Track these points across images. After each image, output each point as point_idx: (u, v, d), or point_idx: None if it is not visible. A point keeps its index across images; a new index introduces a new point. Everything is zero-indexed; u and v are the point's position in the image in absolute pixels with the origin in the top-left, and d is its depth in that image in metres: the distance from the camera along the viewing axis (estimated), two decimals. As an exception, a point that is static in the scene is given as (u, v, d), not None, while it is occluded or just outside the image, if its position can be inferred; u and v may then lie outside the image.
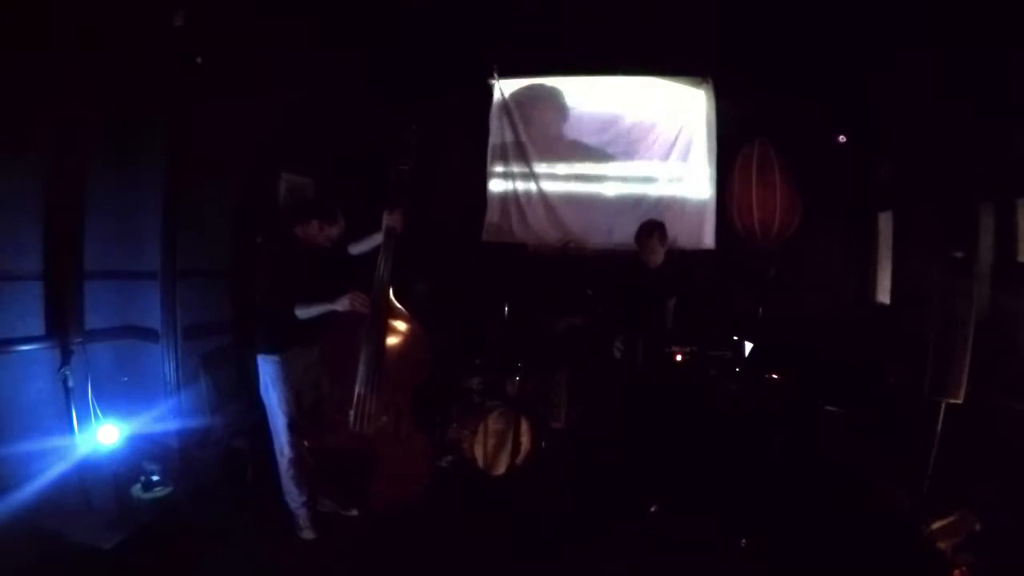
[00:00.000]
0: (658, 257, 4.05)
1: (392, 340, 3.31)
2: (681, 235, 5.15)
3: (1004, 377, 3.17)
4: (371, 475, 3.30)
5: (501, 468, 4.26)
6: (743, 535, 3.31)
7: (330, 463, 3.34)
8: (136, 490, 3.46)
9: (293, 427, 3.30)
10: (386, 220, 3.25)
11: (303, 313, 3.19)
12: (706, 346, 3.96)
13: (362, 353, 3.25)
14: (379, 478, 3.31)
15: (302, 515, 3.36)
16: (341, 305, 3.16)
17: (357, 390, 3.25)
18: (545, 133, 5.56)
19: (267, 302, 3.30)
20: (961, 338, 3.05)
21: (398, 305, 3.35)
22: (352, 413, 3.25)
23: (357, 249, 3.43)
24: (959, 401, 3.07)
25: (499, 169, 5.65)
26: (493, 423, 4.24)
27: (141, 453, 3.52)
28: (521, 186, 5.60)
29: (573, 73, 5.48)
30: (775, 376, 4.04)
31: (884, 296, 4.84)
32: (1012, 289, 3.40)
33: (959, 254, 3.19)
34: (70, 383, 3.22)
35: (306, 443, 3.36)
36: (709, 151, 5.33)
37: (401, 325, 3.34)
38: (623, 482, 3.85)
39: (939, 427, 3.13)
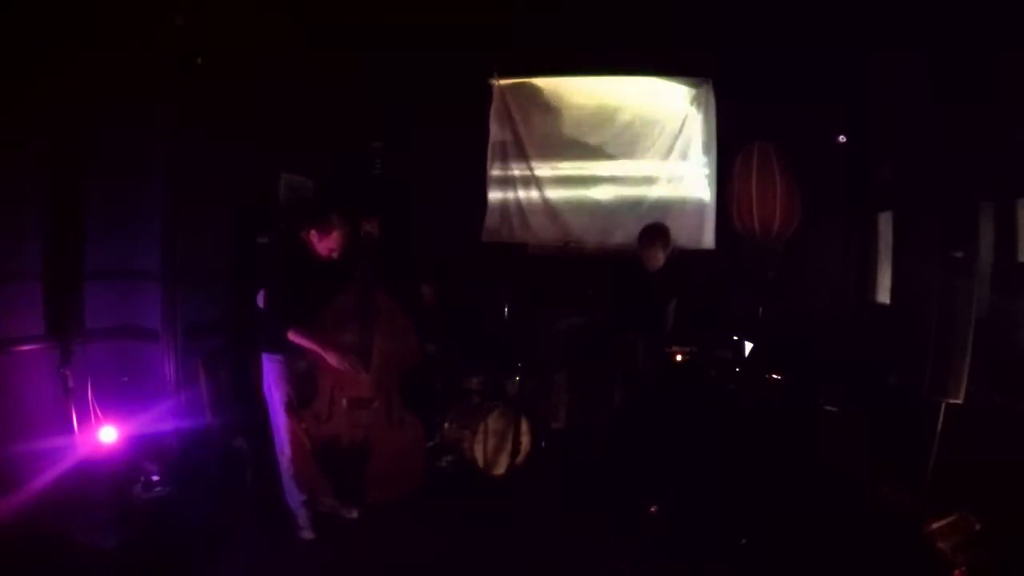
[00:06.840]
0: (659, 262, 4.05)
1: (380, 331, 3.51)
2: (681, 235, 5.13)
3: (1004, 377, 3.17)
4: (368, 462, 3.40)
5: (501, 468, 4.26)
6: (743, 535, 3.31)
7: (327, 452, 3.41)
8: (136, 490, 3.46)
9: (294, 419, 3.34)
10: (364, 227, 3.53)
11: (296, 337, 3.22)
12: (706, 346, 3.96)
13: (352, 345, 3.42)
14: (376, 465, 3.42)
15: (302, 515, 3.35)
16: (331, 358, 3.29)
17: (349, 377, 3.43)
18: (545, 133, 5.55)
19: (272, 302, 3.31)
20: (961, 338, 3.04)
21: (384, 299, 3.55)
22: (345, 400, 3.45)
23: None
24: (959, 401, 3.07)
25: (499, 170, 5.64)
26: (493, 423, 4.24)
27: (141, 453, 3.51)
28: (521, 186, 5.60)
29: (573, 73, 5.47)
30: (775, 376, 4.04)
31: (884, 296, 4.84)
32: (1012, 289, 3.40)
33: (959, 254, 3.18)
34: (70, 383, 3.22)
35: (303, 425, 3.41)
36: (709, 151, 5.33)
37: (387, 317, 3.57)
38: (623, 482, 3.85)
39: (939, 427, 3.12)
